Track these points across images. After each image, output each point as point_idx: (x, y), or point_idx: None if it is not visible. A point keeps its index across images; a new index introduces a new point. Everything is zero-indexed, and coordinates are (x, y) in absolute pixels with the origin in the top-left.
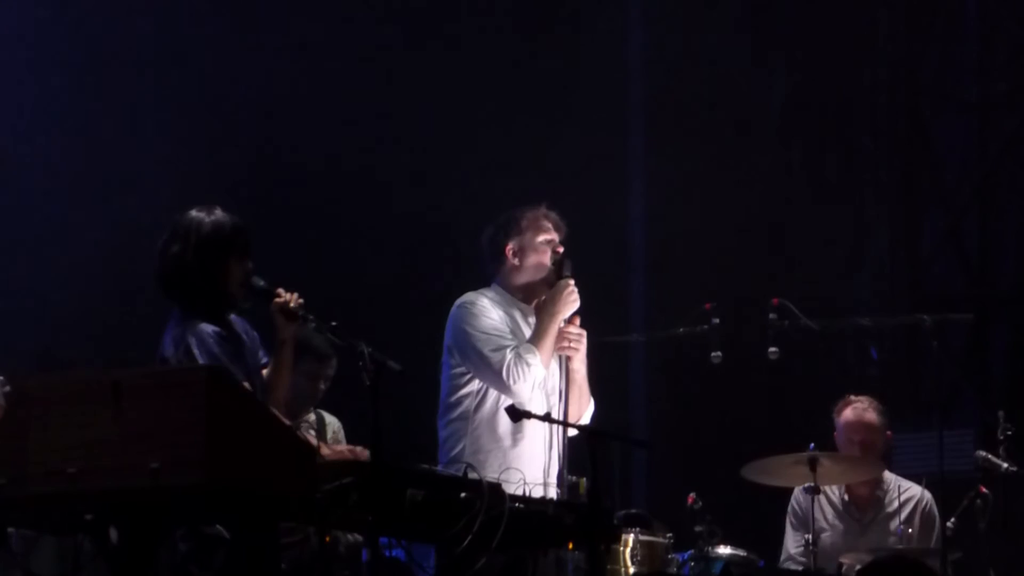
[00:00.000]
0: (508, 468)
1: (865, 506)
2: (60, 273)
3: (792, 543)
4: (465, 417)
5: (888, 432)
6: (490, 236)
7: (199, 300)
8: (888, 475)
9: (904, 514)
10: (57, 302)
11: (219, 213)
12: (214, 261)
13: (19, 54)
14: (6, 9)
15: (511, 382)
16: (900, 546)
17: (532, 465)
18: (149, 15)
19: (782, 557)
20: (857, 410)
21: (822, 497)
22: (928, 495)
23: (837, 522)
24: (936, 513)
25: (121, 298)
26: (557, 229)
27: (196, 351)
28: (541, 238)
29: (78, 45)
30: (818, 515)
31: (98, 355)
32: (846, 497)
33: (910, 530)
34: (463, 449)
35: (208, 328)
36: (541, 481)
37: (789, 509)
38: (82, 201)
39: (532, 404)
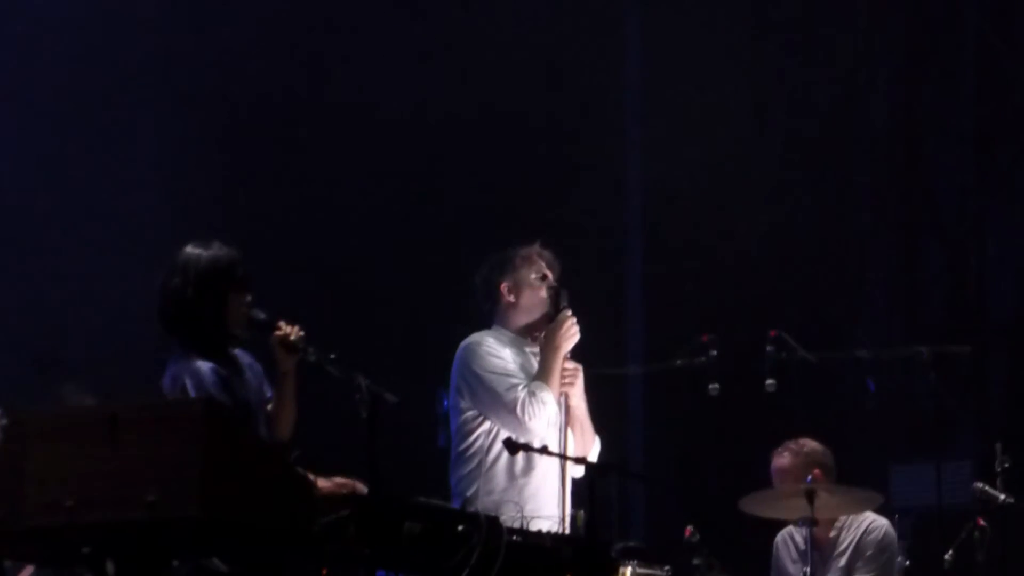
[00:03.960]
0: (524, 505)
1: (822, 548)
2: (60, 276)
3: None
4: (479, 458)
5: (816, 470)
6: (484, 276)
7: (199, 335)
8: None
9: (852, 547)
10: (56, 305)
11: (216, 247)
12: (213, 295)
13: (18, 53)
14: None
15: (527, 419)
16: None
17: (549, 502)
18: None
19: None
20: (774, 458)
21: (789, 542)
22: (882, 522)
23: (800, 568)
24: (882, 538)
25: (121, 297)
26: (551, 267)
27: (191, 390)
28: (535, 274)
29: (75, 44)
30: (785, 560)
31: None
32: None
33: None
34: (477, 490)
35: (205, 365)
36: (557, 516)
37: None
38: (81, 200)
39: (548, 442)
